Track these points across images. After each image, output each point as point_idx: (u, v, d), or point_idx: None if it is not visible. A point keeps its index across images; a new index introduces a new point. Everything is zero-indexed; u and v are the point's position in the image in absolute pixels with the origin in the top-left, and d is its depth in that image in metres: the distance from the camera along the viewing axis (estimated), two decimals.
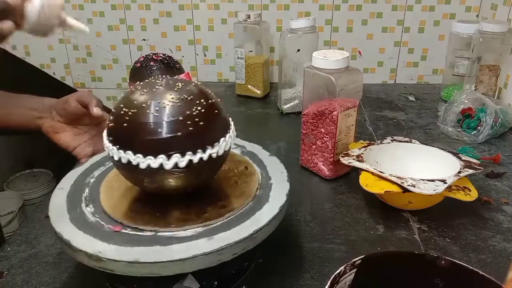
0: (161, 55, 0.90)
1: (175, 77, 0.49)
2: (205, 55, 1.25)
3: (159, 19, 1.22)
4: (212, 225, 0.45)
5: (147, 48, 1.25)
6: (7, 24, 0.42)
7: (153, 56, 0.89)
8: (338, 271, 0.37)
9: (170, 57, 0.92)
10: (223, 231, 0.44)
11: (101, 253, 0.41)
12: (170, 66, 0.89)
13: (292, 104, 1.01)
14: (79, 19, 0.49)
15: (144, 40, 1.25)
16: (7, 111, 0.67)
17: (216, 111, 0.47)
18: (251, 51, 1.10)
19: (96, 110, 0.63)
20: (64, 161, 0.71)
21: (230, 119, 0.50)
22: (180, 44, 1.24)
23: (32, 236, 0.58)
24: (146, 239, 0.43)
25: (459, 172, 0.60)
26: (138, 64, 0.89)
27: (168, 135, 0.43)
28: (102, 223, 0.46)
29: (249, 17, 1.04)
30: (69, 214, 0.47)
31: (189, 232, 0.44)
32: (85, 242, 0.42)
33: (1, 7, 0.41)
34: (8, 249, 0.56)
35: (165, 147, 0.43)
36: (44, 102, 0.68)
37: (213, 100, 0.47)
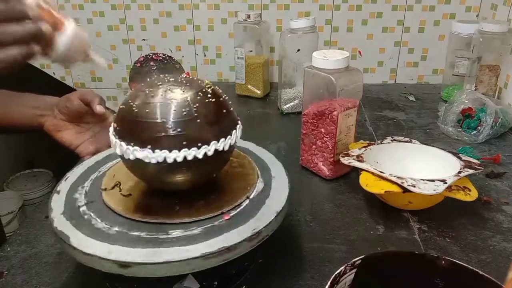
0: (161, 55, 0.90)
1: (182, 75, 0.50)
2: (205, 55, 1.25)
3: (159, 19, 1.22)
4: (211, 224, 0.45)
5: (147, 48, 1.25)
6: (36, 49, 0.44)
7: (153, 56, 0.90)
8: (338, 271, 0.37)
9: (170, 57, 0.92)
10: (222, 232, 0.44)
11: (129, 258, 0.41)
12: (170, 66, 0.89)
13: (292, 104, 1.01)
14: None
15: (144, 40, 1.25)
16: (9, 109, 0.67)
17: (223, 108, 0.47)
18: (251, 51, 1.10)
19: (99, 108, 0.64)
20: (64, 161, 0.71)
21: (237, 115, 0.51)
22: (180, 44, 1.24)
23: (32, 236, 0.58)
24: (153, 239, 0.43)
25: (459, 172, 0.60)
26: (138, 64, 0.89)
27: (176, 132, 0.43)
28: (107, 225, 0.46)
29: (249, 17, 1.04)
30: (70, 216, 0.47)
31: (191, 231, 0.44)
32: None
33: (35, 32, 0.43)
34: (8, 249, 0.56)
35: (173, 143, 0.43)
36: (46, 100, 0.68)
37: (221, 97, 0.48)
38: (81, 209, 0.48)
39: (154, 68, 0.87)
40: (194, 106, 0.45)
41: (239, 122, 0.50)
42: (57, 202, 0.49)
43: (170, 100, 0.44)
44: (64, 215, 0.47)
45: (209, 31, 1.22)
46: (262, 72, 1.09)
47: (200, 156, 0.44)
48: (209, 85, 0.48)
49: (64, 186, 0.53)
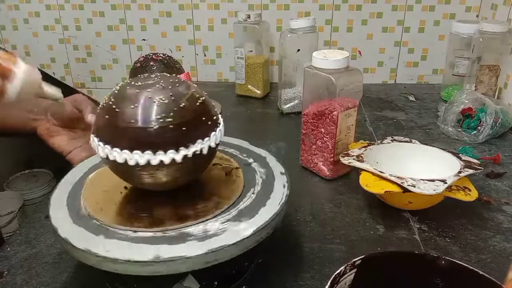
0: (161, 55, 0.90)
1: (170, 75, 0.49)
2: (205, 55, 1.25)
3: (159, 19, 1.22)
4: (210, 225, 0.45)
5: (147, 48, 1.25)
6: None
7: (153, 56, 0.89)
8: (338, 271, 0.37)
9: (170, 57, 0.92)
10: (221, 232, 0.44)
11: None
12: (170, 66, 0.89)
13: (292, 104, 1.01)
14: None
15: (144, 40, 1.25)
16: (4, 113, 0.67)
17: (204, 108, 0.47)
18: (251, 51, 1.10)
19: (90, 117, 0.62)
20: (64, 161, 0.71)
21: (220, 115, 0.51)
22: (180, 44, 1.24)
23: (32, 236, 0.58)
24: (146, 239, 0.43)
25: (459, 172, 0.60)
26: (138, 64, 0.89)
27: (156, 133, 0.43)
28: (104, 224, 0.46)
29: (249, 17, 1.04)
30: (70, 216, 0.47)
31: (190, 231, 0.44)
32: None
33: None
34: (8, 249, 0.56)
35: (153, 144, 0.43)
36: (40, 104, 0.67)
37: (202, 97, 0.47)
38: (82, 207, 0.48)
39: (154, 68, 0.87)
40: (174, 108, 0.44)
41: (221, 121, 0.50)
42: (58, 201, 0.49)
43: (149, 102, 0.44)
44: (64, 213, 0.47)
45: (209, 31, 1.22)
46: (262, 72, 1.09)
47: (178, 159, 0.44)
48: (188, 85, 0.47)
49: (64, 184, 0.53)
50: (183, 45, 1.24)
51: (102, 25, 1.23)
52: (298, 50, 0.95)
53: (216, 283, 0.48)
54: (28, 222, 0.62)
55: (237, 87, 1.14)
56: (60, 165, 0.67)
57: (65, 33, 1.25)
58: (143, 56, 0.91)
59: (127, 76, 1.21)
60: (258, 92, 1.11)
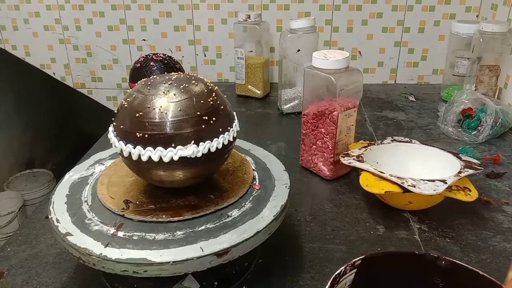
0: (161, 55, 0.90)
1: (185, 73, 0.50)
2: (205, 55, 1.25)
3: (159, 19, 1.22)
4: (210, 225, 0.45)
5: (147, 48, 1.25)
6: None
7: (153, 56, 0.90)
8: (338, 271, 0.37)
9: (170, 57, 0.92)
10: (221, 232, 0.44)
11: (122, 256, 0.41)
12: (170, 66, 0.89)
13: (292, 104, 1.01)
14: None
15: (144, 40, 1.25)
16: None
17: (221, 105, 0.48)
18: (251, 51, 1.10)
19: None
20: (64, 161, 0.70)
21: (235, 113, 0.51)
22: (180, 44, 1.24)
23: (32, 236, 0.58)
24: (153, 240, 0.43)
25: (459, 172, 0.60)
26: (138, 64, 0.89)
27: (173, 131, 0.44)
28: (103, 225, 0.46)
29: (249, 17, 1.04)
30: (70, 216, 0.47)
31: (191, 230, 0.44)
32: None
33: None
34: (8, 249, 0.56)
35: (171, 141, 0.44)
36: None
37: (219, 95, 0.48)
38: (82, 208, 0.48)
39: (154, 68, 0.87)
40: (193, 105, 0.45)
41: (236, 118, 0.51)
42: (58, 201, 0.49)
43: (169, 99, 0.45)
44: (65, 214, 0.47)
45: (209, 31, 1.22)
46: (262, 72, 1.09)
47: (198, 154, 0.45)
48: (206, 83, 0.48)
49: (64, 184, 0.53)
50: (183, 45, 1.24)
51: (102, 25, 1.23)
52: (298, 50, 0.95)
53: (216, 283, 0.48)
54: (28, 222, 0.62)
55: (237, 87, 1.14)
56: (60, 165, 0.67)
57: (65, 33, 1.25)
58: (143, 56, 0.91)
59: (127, 76, 1.21)
60: (258, 92, 1.11)
